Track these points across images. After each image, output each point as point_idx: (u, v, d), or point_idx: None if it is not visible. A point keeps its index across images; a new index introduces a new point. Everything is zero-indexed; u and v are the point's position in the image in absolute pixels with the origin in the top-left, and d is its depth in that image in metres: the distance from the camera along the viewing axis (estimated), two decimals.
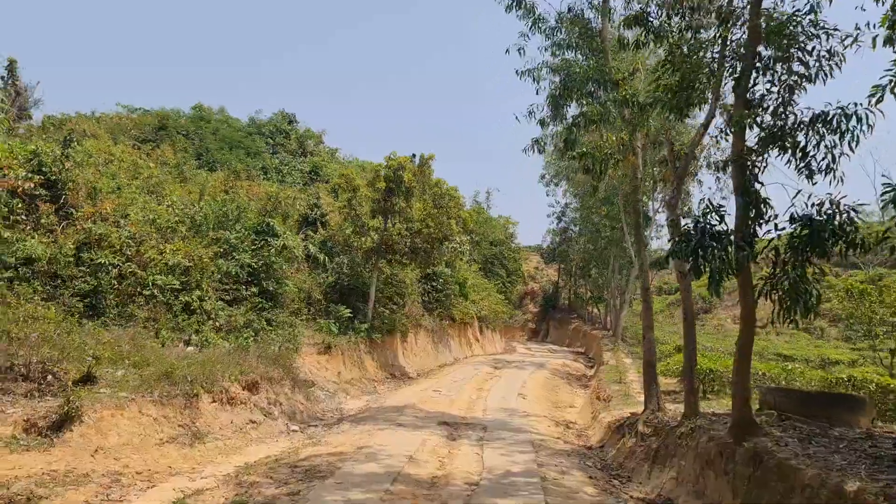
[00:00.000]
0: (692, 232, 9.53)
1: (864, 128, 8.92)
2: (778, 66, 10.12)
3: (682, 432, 11.28)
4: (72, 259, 16.78)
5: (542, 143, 18.03)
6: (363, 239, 29.63)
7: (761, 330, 57.57)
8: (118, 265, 17.45)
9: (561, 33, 17.30)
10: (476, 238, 52.39)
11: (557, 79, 16.87)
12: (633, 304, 43.92)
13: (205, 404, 13.39)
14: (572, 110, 17.28)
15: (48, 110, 47.89)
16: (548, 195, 71.66)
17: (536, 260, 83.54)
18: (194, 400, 13.11)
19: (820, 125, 9.44)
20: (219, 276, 21.21)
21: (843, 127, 9.09)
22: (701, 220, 9.49)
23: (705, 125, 13.17)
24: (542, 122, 17.23)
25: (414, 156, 29.60)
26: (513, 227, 58.34)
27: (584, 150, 15.18)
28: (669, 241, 13.53)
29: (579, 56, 17.42)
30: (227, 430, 13.42)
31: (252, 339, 20.22)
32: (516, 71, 17.25)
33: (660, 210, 33.86)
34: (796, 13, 9.93)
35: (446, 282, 36.73)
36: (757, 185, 9.91)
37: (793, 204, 9.17)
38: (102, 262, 17.03)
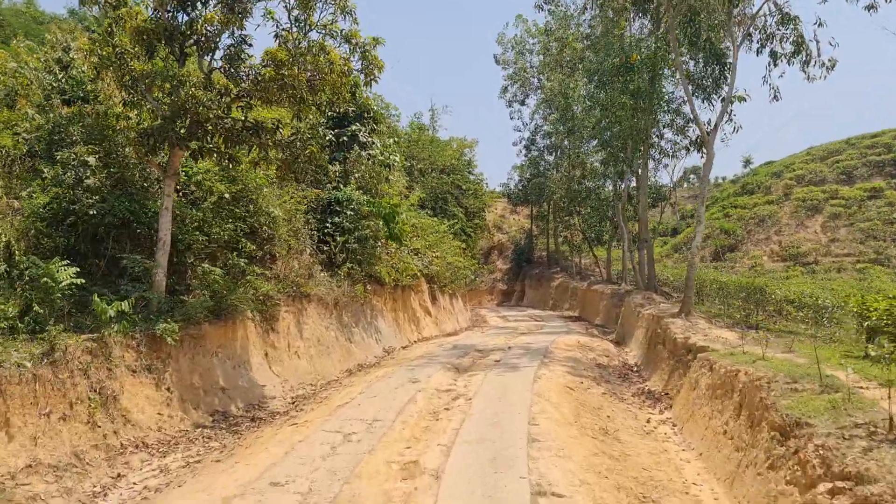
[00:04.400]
0: None
1: None
2: None
3: None
4: None
5: None
6: (140, 113, 13.18)
7: (803, 267, 42.97)
8: None
9: None
10: (419, 165, 36.18)
11: None
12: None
13: None
14: None
15: None
16: (512, 118, 55.49)
17: (502, 206, 67.78)
18: None
19: None
20: None
21: None
22: None
23: None
24: None
25: None
26: (470, 152, 42.06)
27: None
28: None
29: None
30: None
31: None
32: None
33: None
34: None
35: (362, 215, 20.52)
36: None
37: None
38: None
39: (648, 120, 23.06)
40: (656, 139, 25.13)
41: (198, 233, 14.17)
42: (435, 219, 30.43)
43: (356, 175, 21.34)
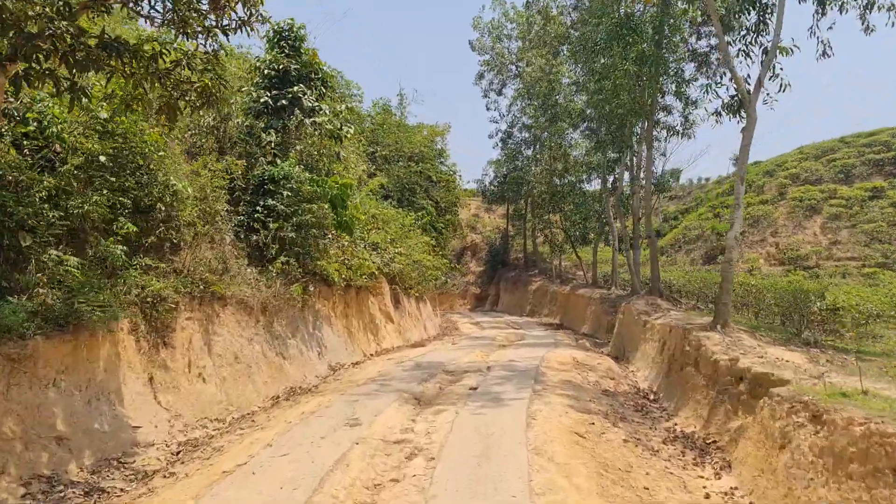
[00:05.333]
0: None
1: None
2: None
3: None
4: None
5: None
6: None
7: (804, 271, 39.69)
8: None
9: None
10: (384, 151, 32.02)
11: None
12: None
13: None
14: None
15: None
16: (488, 108, 51.52)
17: (476, 205, 63.87)
18: None
19: None
20: None
21: None
22: None
23: None
24: None
25: None
26: (442, 141, 37.88)
27: None
28: None
29: None
30: None
31: None
32: None
33: None
34: None
35: (303, 197, 16.24)
36: None
37: None
38: None
39: (654, 90, 19.17)
40: (662, 114, 21.25)
41: (47, 206, 9.82)
42: (400, 210, 26.21)
43: (298, 147, 17.06)
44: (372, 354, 19.78)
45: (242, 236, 15.44)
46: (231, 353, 13.00)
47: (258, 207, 15.74)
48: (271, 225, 15.50)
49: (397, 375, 14.02)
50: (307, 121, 17.11)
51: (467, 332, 30.77)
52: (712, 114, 14.26)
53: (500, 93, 50.63)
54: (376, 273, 20.10)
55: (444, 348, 21.00)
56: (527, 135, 48.13)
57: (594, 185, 41.81)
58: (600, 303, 28.14)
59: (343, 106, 18.34)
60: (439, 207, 35.00)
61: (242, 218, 15.52)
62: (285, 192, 15.92)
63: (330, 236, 17.98)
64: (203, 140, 16.34)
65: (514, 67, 47.91)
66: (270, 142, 16.68)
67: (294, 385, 14.28)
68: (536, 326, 34.84)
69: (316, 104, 17.51)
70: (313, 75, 18.07)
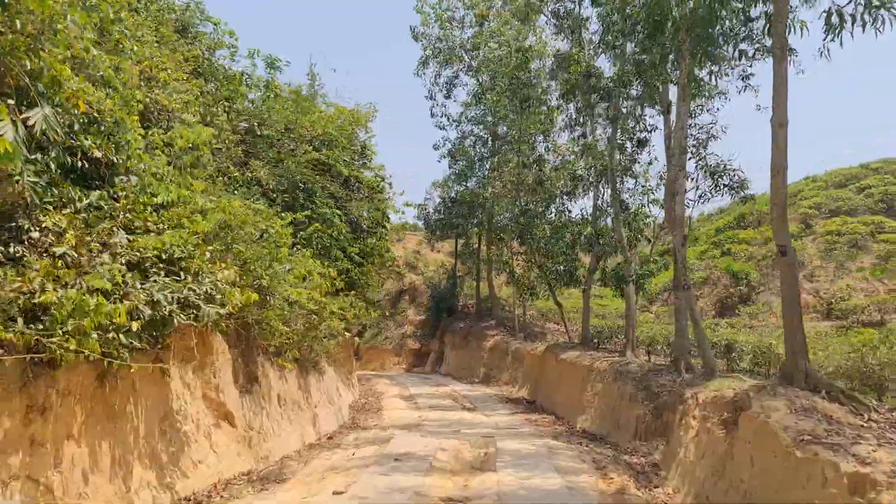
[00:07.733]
0: None
1: None
2: None
3: None
4: None
5: None
6: None
7: (871, 328, 29.53)
8: None
9: None
10: (267, 131, 20.38)
11: None
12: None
13: None
14: None
15: None
16: (433, 114, 40.15)
17: (416, 240, 52.38)
18: None
19: None
20: None
21: None
22: None
23: None
24: None
25: None
26: (365, 133, 25.93)
27: None
28: None
29: None
30: None
31: None
32: None
33: None
34: None
35: None
36: None
37: None
38: None
39: None
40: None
41: None
42: (262, 209, 14.29)
43: None
44: None
45: None
46: None
47: None
48: None
49: None
50: None
51: (391, 417, 18.93)
52: None
53: (448, 95, 39.80)
54: (130, 328, 7.96)
55: None
56: (484, 150, 37.44)
57: (579, 205, 31.13)
58: (614, 379, 16.65)
59: None
60: (357, 228, 23.17)
61: None
62: None
63: None
64: None
65: (467, 57, 37.29)
66: None
67: None
68: (499, 405, 23.22)
69: None
70: None
